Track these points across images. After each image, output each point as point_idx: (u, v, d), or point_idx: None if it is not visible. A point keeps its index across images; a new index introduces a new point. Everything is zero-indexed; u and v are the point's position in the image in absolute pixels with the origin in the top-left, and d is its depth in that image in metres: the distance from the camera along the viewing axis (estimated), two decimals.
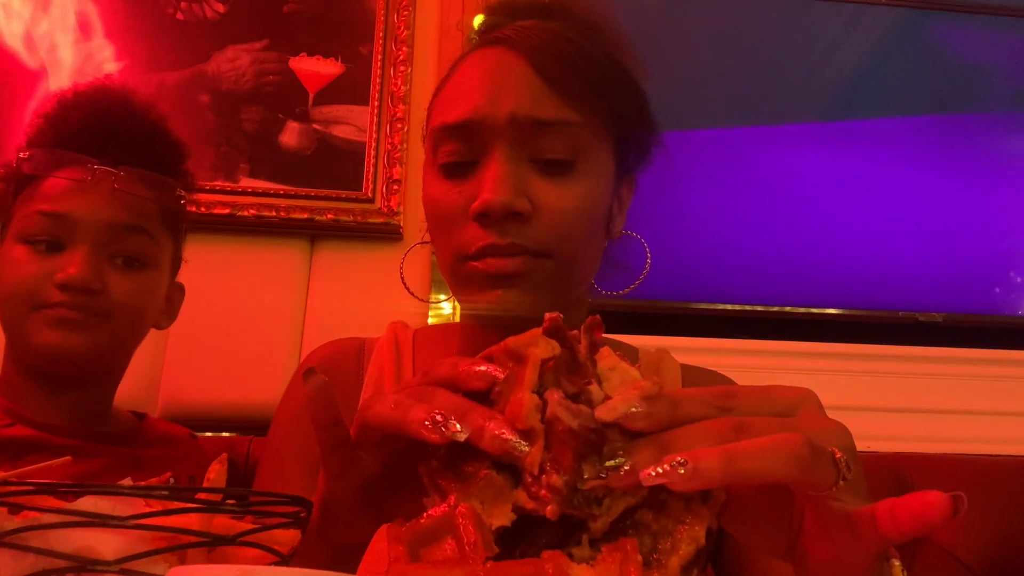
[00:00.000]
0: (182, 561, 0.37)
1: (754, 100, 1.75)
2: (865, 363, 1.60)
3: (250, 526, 0.39)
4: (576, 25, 0.74)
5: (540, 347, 0.38)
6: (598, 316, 0.41)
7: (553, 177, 0.68)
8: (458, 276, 0.71)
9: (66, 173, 0.90)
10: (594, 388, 0.38)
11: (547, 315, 0.39)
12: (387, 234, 1.49)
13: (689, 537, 0.36)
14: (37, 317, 0.87)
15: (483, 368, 0.40)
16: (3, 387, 0.93)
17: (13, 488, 0.36)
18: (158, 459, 0.95)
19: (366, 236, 1.50)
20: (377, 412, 0.41)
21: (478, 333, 0.74)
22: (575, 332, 0.40)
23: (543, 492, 0.35)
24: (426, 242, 0.77)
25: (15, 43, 1.53)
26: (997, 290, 1.72)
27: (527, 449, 0.36)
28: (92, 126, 0.93)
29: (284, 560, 0.40)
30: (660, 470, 0.34)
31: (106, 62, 1.54)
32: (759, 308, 1.63)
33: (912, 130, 1.78)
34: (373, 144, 1.53)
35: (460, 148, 0.70)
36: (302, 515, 0.40)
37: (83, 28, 1.55)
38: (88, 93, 0.98)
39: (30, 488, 0.36)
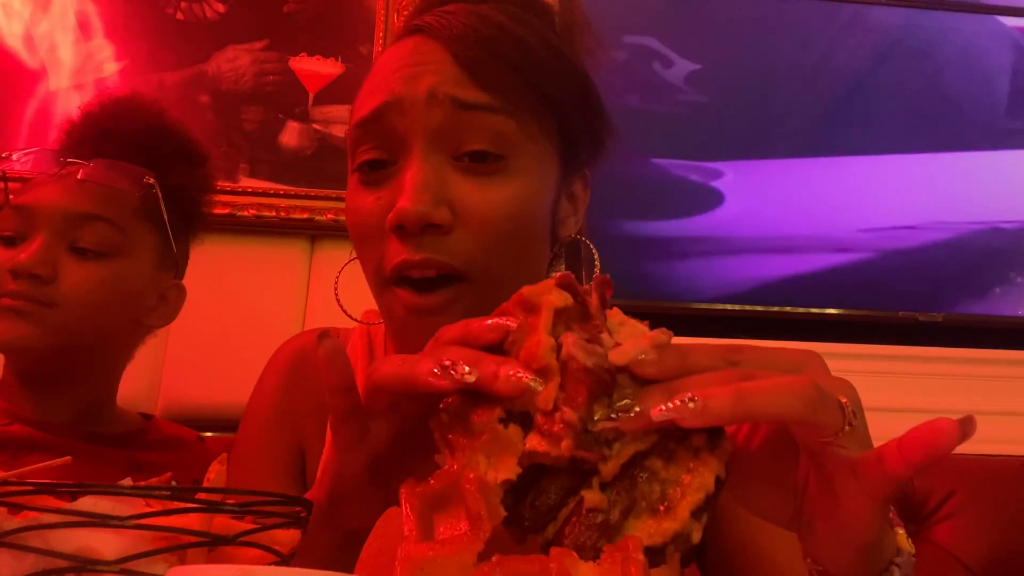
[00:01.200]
0: (182, 561, 0.37)
1: (755, 101, 1.75)
2: (865, 363, 1.60)
3: (250, 526, 0.39)
4: (509, 8, 0.65)
5: (554, 295, 0.39)
6: (607, 275, 0.42)
7: (480, 177, 0.60)
8: (381, 307, 0.65)
9: (40, 169, 0.90)
10: (605, 337, 0.39)
11: (559, 273, 0.40)
12: None
13: (699, 484, 0.37)
14: None
15: (494, 320, 0.40)
16: (2, 389, 0.93)
17: (13, 488, 0.36)
18: (157, 465, 0.94)
19: None
20: (385, 372, 0.41)
21: None
22: (586, 287, 0.41)
23: (557, 428, 0.36)
24: (356, 258, 0.68)
25: (15, 43, 1.53)
26: (997, 290, 1.71)
27: (542, 388, 0.36)
28: (91, 129, 0.94)
29: (284, 560, 0.40)
30: (670, 405, 0.35)
31: (106, 62, 1.54)
32: (759, 308, 1.63)
33: (913, 129, 1.78)
34: None
35: (376, 144, 0.62)
36: (302, 515, 0.40)
37: (83, 28, 1.54)
38: (99, 100, 0.99)
39: (30, 488, 0.36)
